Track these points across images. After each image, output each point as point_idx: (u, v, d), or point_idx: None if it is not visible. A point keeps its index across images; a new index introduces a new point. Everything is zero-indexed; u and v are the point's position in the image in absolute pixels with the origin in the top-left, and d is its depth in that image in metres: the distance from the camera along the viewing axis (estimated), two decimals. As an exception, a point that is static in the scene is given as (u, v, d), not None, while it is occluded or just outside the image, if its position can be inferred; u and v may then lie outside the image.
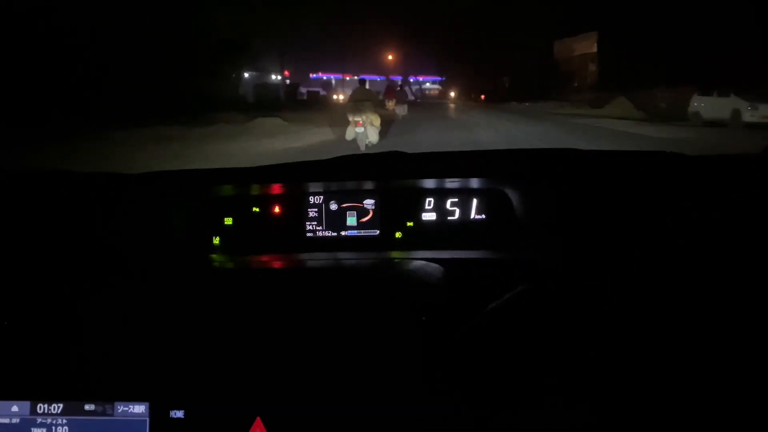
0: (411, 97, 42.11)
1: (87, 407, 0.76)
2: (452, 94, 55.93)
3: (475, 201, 1.30)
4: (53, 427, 0.76)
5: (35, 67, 13.34)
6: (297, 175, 1.27)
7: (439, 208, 1.31)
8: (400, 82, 25.39)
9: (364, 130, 9.92)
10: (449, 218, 1.31)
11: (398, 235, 1.32)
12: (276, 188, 1.30)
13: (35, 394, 0.76)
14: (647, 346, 0.70)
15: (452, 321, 0.81)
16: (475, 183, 1.28)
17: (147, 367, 0.78)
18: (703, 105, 16.47)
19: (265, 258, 1.26)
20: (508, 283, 0.87)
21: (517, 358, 0.72)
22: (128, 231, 1.21)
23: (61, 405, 0.76)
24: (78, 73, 14.26)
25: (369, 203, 1.32)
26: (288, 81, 37.97)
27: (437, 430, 0.69)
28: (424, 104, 39.33)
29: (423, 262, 1.10)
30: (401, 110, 18.25)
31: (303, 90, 44.76)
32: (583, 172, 1.19)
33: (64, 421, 0.76)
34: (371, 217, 1.32)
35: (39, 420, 0.76)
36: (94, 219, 1.19)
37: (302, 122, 16.38)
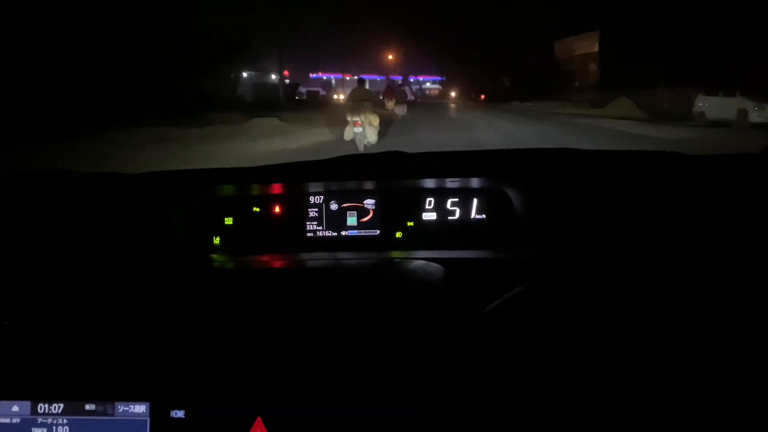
0: (411, 97, 42.09)
1: (87, 407, 0.76)
2: (453, 94, 55.90)
3: (475, 201, 1.30)
4: (54, 427, 0.76)
5: (35, 66, 13.34)
6: (297, 174, 1.27)
7: (439, 207, 1.31)
8: (400, 82, 25.39)
9: (363, 131, 9.87)
10: (449, 218, 1.31)
11: (398, 235, 1.32)
12: (276, 188, 1.31)
13: (36, 394, 0.76)
14: (647, 345, 0.70)
15: (452, 321, 0.81)
16: (475, 183, 1.28)
17: (147, 367, 0.78)
18: (707, 105, 16.33)
19: (265, 258, 1.26)
20: (508, 283, 0.87)
21: (517, 358, 0.72)
22: (128, 231, 1.21)
23: (61, 405, 0.76)
24: (77, 73, 14.25)
25: (369, 203, 1.32)
26: (288, 81, 37.91)
27: (437, 430, 0.69)
28: (424, 104, 39.24)
29: (423, 261, 1.11)
30: (401, 110, 18.25)
31: (302, 90, 44.74)
32: (582, 171, 1.19)
33: (65, 421, 0.76)
34: (371, 217, 1.32)
35: (39, 420, 0.76)
36: (94, 219, 1.19)
37: (300, 122, 16.21)
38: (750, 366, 0.67)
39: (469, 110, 29.39)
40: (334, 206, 1.33)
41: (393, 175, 1.29)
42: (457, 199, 1.30)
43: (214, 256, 1.30)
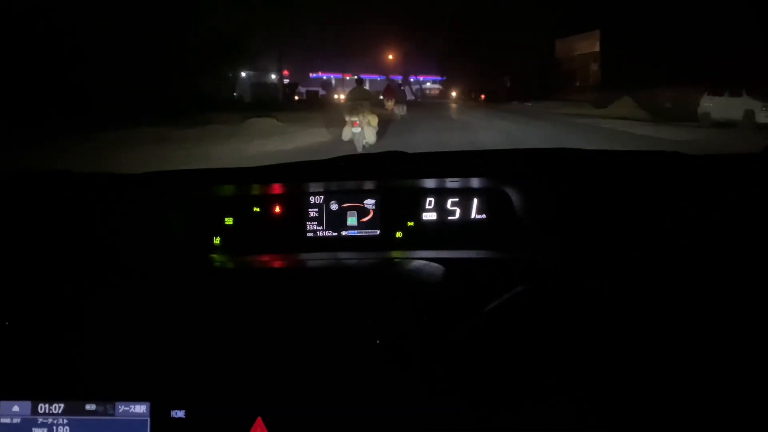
0: (411, 97, 42.07)
1: (88, 407, 0.76)
2: (453, 93, 55.83)
3: (475, 201, 1.30)
4: (54, 427, 0.76)
5: (34, 66, 13.33)
6: (297, 175, 1.27)
7: (439, 207, 1.31)
8: (400, 82, 25.39)
9: (361, 131, 9.80)
10: (450, 218, 1.31)
11: (399, 234, 1.32)
12: (276, 188, 1.31)
13: (36, 394, 0.76)
14: (647, 345, 0.71)
15: (452, 321, 0.81)
16: (475, 183, 1.28)
17: (148, 367, 0.78)
18: (713, 105, 16.08)
19: (265, 258, 1.26)
20: (508, 283, 0.87)
21: (517, 358, 0.72)
22: (128, 231, 1.21)
23: (62, 405, 0.76)
24: (76, 73, 14.22)
25: (369, 203, 1.32)
26: (287, 81, 37.85)
27: (437, 430, 0.69)
28: (424, 104, 39.23)
29: (423, 261, 1.11)
30: (400, 110, 18.24)
31: (302, 89, 44.71)
32: (583, 171, 1.19)
33: (65, 421, 0.76)
34: (372, 217, 1.33)
35: (40, 420, 0.76)
36: (94, 219, 1.19)
37: (297, 122, 15.97)
38: (750, 365, 0.67)
39: (470, 110, 29.31)
40: (334, 206, 1.33)
41: (393, 175, 1.29)
42: (457, 199, 1.30)
43: (214, 256, 1.30)
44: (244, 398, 0.74)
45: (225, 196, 1.34)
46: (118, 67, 15.60)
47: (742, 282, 0.80)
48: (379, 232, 1.32)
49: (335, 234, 1.33)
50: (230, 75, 27.11)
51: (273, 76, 34.87)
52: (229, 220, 1.33)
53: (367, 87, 11.34)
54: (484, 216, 1.30)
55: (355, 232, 1.33)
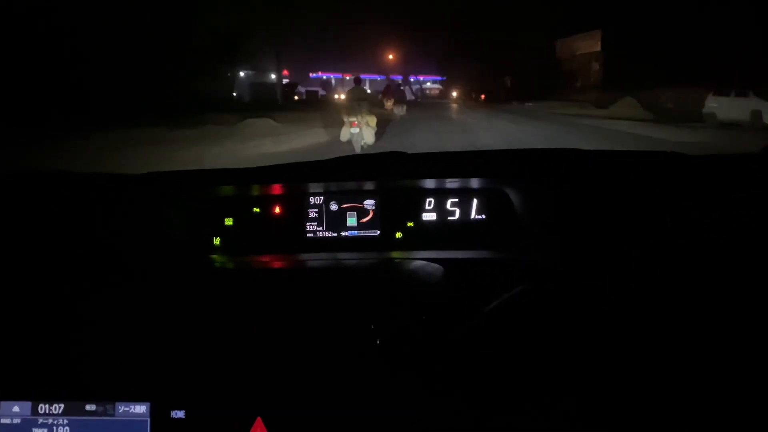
0: (411, 97, 42.00)
1: (88, 407, 0.76)
2: (454, 93, 55.78)
3: (475, 201, 1.30)
4: (54, 428, 0.76)
5: (34, 66, 13.33)
6: (297, 175, 1.27)
7: (439, 208, 1.31)
8: (400, 82, 25.37)
9: (360, 131, 9.72)
10: (449, 218, 1.31)
11: (398, 235, 1.32)
12: (276, 189, 1.31)
13: (36, 395, 0.77)
14: (646, 345, 0.71)
15: (452, 321, 0.81)
16: (475, 183, 1.28)
17: (148, 367, 0.78)
18: (718, 105, 15.88)
19: (265, 258, 1.26)
20: (508, 283, 0.87)
21: (517, 358, 0.72)
22: (128, 231, 1.21)
23: (62, 405, 0.76)
24: (76, 73, 14.20)
25: (369, 203, 1.32)
26: (287, 80, 37.77)
27: (437, 430, 0.69)
28: (424, 104, 39.16)
29: (423, 262, 1.11)
30: (399, 110, 18.20)
31: (301, 89, 44.63)
32: (582, 172, 1.19)
33: (65, 421, 0.76)
34: (371, 217, 1.33)
35: (40, 420, 0.76)
36: (94, 219, 1.19)
37: (295, 123, 15.68)
38: (749, 365, 0.67)
39: (470, 110, 29.20)
40: (334, 207, 1.33)
41: (393, 176, 1.29)
42: (457, 200, 1.30)
43: (215, 256, 1.30)
44: (244, 398, 0.74)
45: (225, 196, 1.34)
46: (118, 67, 15.56)
47: (742, 282, 0.80)
48: (378, 232, 1.32)
49: (335, 234, 1.33)
50: (229, 75, 27.05)
51: (273, 76, 34.79)
52: (229, 221, 1.33)
53: (366, 87, 11.26)
54: (483, 216, 1.30)
55: (354, 233, 1.33)
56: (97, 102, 14.01)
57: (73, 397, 0.76)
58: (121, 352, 0.79)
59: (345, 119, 9.90)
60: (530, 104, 31.50)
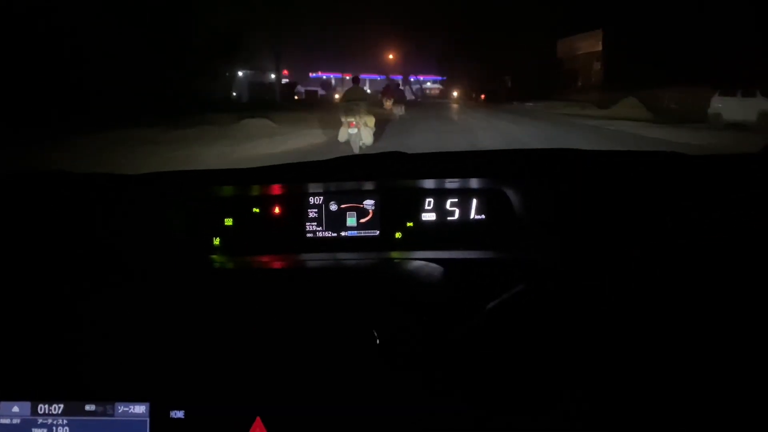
0: (411, 97, 41.99)
1: (87, 407, 0.76)
2: (455, 93, 55.73)
3: (474, 201, 1.30)
4: (54, 428, 0.76)
5: (35, 66, 13.32)
6: (297, 175, 1.27)
7: (438, 208, 1.31)
8: (400, 82, 25.36)
9: (358, 131, 9.56)
10: (449, 218, 1.31)
11: (398, 235, 1.32)
12: (276, 189, 1.31)
13: (36, 395, 0.77)
14: (646, 345, 0.70)
15: (452, 321, 0.81)
16: (474, 183, 1.28)
17: (147, 367, 0.78)
18: (724, 106, 15.54)
19: (265, 258, 1.26)
20: (508, 283, 0.87)
21: (517, 358, 0.72)
22: (128, 231, 1.21)
23: (61, 405, 0.76)
24: (76, 73, 14.19)
25: (369, 204, 1.32)
26: (287, 80, 37.71)
27: (437, 430, 0.69)
28: (424, 104, 39.06)
29: (423, 262, 1.11)
30: (399, 110, 18.17)
31: (301, 89, 44.56)
32: (582, 172, 1.19)
33: (65, 421, 0.76)
34: (371, 217, 1.33)
35: (40, 420, 0.76)
36: (94, 219, 1.19)
37: (292, 123, 15.48)
38: (749, 365, 0.67)
39: (470, 110, 29.10)
40: (333, 207, 1.33)
41: (392, 176, 1.29)
42: (456, 200, 1.30)
43: (214, 256, 1.30)
44: (243, 398, 0.74)
45: (225, 196, 1.34)
46: (118, 67, 15.55)
47: (742, 282, 0.80)
48: (378, 232, 1.32)
49: (335, 234, 1.33)
50: (228, 75, 27.00)
51: (272, 76, 34.72)
52: (228, 221, 1.33)
53: (366, 87, 11.18)
54: (483, 216, 1.30)
55: (354, 233, 1.33)
56: (97, 102, 13.99)
57: (72, 397, 0.76)
58: (121, 352, 0.79)
59: (343, 119, 9.72)
60: (531, 104, 31.42)
